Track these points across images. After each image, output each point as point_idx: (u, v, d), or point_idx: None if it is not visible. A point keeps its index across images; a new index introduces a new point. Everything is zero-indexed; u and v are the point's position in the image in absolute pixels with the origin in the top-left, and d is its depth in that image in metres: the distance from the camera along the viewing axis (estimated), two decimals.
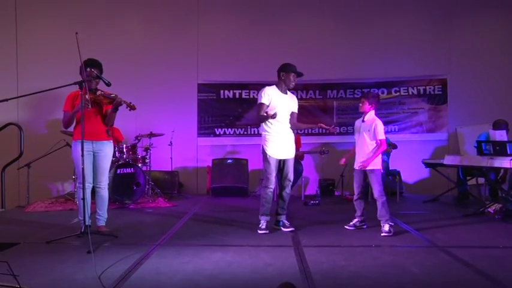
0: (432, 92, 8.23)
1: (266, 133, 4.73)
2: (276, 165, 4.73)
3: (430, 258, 3.68)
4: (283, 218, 4.84)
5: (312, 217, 5.68)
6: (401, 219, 5.34)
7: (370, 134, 4.67)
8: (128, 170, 6.50)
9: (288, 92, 4.87)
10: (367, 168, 4.67)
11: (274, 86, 4.80)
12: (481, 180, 6.70)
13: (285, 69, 4.75)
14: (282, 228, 4.76)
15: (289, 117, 4.81)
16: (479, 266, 3.43)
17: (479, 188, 6.78)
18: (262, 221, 4.72)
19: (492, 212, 5.71)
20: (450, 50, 8.17)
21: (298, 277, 3.18)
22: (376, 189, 4.63)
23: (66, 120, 4.48)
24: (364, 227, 4.84)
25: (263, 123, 4.73)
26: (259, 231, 4.64)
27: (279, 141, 4.71)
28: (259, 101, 4.74)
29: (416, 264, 3.49)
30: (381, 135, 4.64)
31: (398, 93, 8.28)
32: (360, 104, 4.80)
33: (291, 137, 4.82)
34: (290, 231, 4.70)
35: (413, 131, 8.22)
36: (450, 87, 8.16)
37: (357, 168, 4.80)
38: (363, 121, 4.78)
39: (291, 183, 4.87)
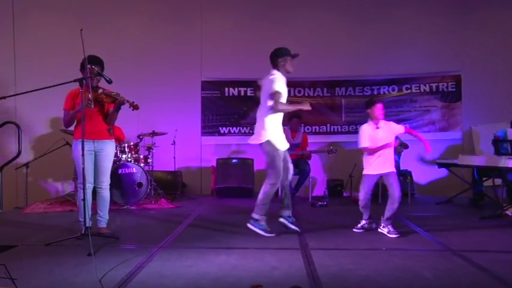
0: (445, 89, 8.18)
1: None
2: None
3: (443, 263, 3.65)
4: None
5: (319, 219, 5.67)
6: (413, 221, 5.31)
7: (391, 137, 4.75)
8: (130, 170, 6.52)
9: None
10: (388, 171, 4.70)
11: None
12: (498, 181, 6.65)
13: (283, 53, 4.68)
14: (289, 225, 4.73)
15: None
16: (496, 271, 3.39)
17: (495, 190, 6.73)
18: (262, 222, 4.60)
19: (510, 214, 5.66)
20: (465, 45, 8.10)
21: (306, 281, 3.17)
22: (399, 190, 4.65)
23: (67, 120, 4.49)
24: (373, 226, 4.83)
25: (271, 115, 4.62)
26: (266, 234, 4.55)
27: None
28: (275, 89, 4.54)
29: (428, 268, 3.46)
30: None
31: (409, 91, 8.24)
32: (378, 111, 4.74)
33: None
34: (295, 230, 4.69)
35: (425, 130, 8.16)
36: (464, 84, 8.10)
37: (378, 173, 4.78)
38: (378, 128, 4.76)
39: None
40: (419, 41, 8.13)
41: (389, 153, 4.75)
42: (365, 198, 4.79)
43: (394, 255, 3.87)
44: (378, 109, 4.73)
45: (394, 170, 4.76)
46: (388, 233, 4.60)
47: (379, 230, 4.70)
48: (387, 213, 4.67)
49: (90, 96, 4.19)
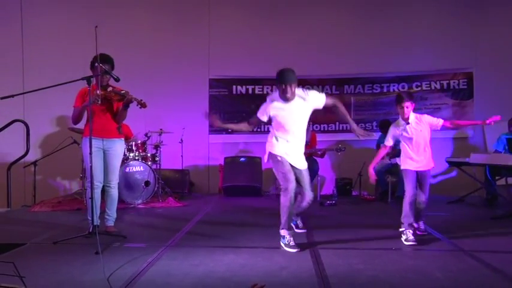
0: (456, 87, 8.10)
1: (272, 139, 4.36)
2: (289, 165, 4.19)
3: (455, 263, 3.62)
4: (297, 219, 4.78)
5: (328, 218, 5.65)
6: (424, 221, 5.26)
7: (427, 132, 4.53)
8: (137, 169, 6.54)
9: (299, 93, 4.23)
10: (424, 169, 4.50)
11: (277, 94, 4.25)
12: (511, 180, 6.59)
13: (276, 80, 4.21)
14: (295, 229, 4.68)
15: (302, 127, 4.30)
16: (509, 271, 3.35)
17: (508, 189, 6.66)
18: (286, 236, 4.10)
19: None
20: (477, 41, 7.99)
21: (315, 281, 3.16)
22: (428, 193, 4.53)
23: (75, 116, 4.49)
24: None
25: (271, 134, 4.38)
26: (286, 248, 4.04)
27: (288, 147, 4.24)
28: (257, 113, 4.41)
29: (440, 269, 3.43)
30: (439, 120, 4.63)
31: (419, 88, 8.18)
32: (407, 108, 4.43)
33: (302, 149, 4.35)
34: (302, 232, 4.68)
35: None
36: (476, 81, 8.02)
37: (417, 168, 4.49)
38: (408, 123, 4.48)
39: (311, 197, 4.33)
40: (430, 37, 8.05)
41: (425, 148, 4.49)
42: (412, 195, 4.41)
43: (404, 255, 3.86)
44: (404, 108, 4.42)
45: (429, 168, 4.53)
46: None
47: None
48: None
49: (98, 92, 4.23)
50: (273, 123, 4.35)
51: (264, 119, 4.35)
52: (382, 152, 4.72)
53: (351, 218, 5.65)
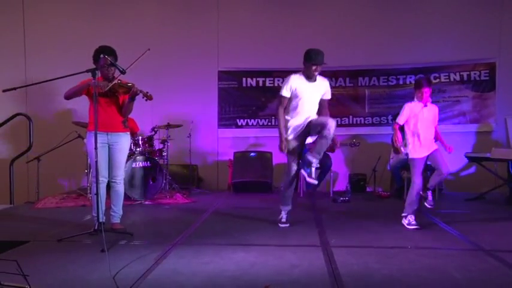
0: (477, 78, 8.00)
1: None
2: (296, 146, 4.69)
3: (475, 263, 3.59)
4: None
5: (341, 215, 5.64)
6: (441, 218, 5.24)
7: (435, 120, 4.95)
8: (144, 164, 6.58)
9: (319, 77, 4.75)
10: (433, 150, 4.85)
11: (301, 72, 4.72)
12: None
13: (305, 59, 4.63)
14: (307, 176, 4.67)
15: (317, 106, 4.77)
16: None
17: None
18: (282, 213, 4.89)
19: None
20: (500, 29, 7.84)
21: (327, 280, 3.16)
22: (448, 166, 4.87)
23: (72, 91, 4.40)
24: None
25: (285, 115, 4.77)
26: (280, 225, 4.80)
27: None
28: (280, 93, 4.73)
29: (458, 268, 3.41)
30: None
31: (438, 80, 8.09)
32: (426, 94, 4.79)
33: None
34: (312, 183, 4.69)
35: (455, 122, 8.02)
36: (499, 72, 7.89)
37: (426, 154, 4.86)
38: (425, 106, 4.83)
39: (328, 127, 4.43)
40: (449, 26, 7.94)
41: (432, 134, 4.91)
42: (421, 185, 4.81)
43: (420, 254, 3.83)
44: (425, 93, 4.77)
45: (437, 146, 4.91)
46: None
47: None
48: (432, 181, 4.92)
49: (113, 81, 4.34)
50: (289, 104, 4.72)
51: (288, 94, 4.64)
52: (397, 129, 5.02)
53: (365, 215, 5.63)
